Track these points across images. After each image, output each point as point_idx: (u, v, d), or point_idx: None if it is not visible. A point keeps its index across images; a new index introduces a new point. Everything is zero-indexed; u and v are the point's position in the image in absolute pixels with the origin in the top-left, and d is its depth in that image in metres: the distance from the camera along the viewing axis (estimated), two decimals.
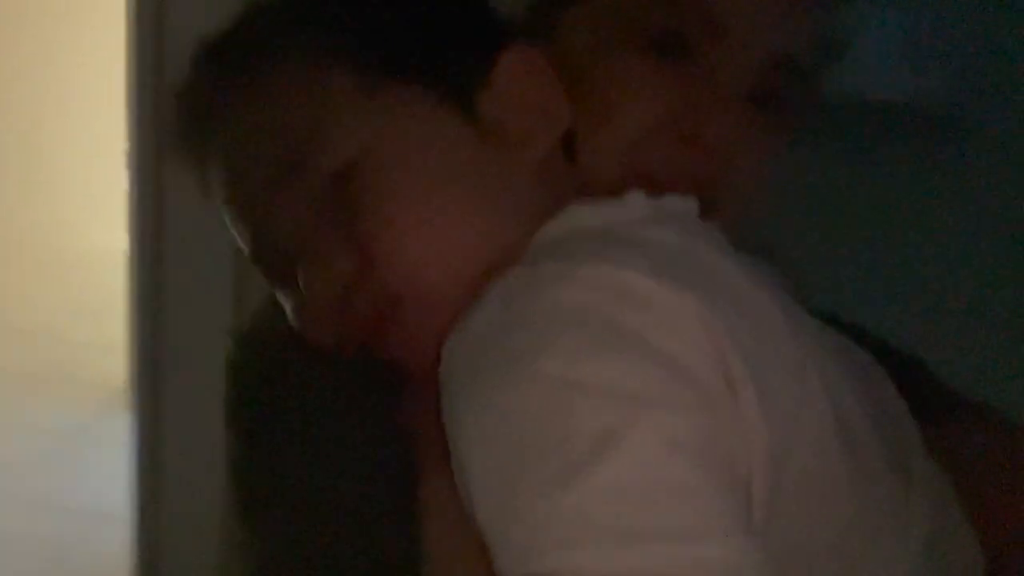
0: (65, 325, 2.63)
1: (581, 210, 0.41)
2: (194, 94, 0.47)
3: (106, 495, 1.72)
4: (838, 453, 0.36)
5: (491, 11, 0.47)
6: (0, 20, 2.79)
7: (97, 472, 1.99)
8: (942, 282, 0.99)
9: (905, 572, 0.38)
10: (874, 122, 0.96)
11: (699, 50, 0.45)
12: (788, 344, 0.37)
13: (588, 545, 0.29)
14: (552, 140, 0.44)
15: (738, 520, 0.31)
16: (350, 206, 0.40)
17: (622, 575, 0.29)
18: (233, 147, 0.43)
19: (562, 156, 0.45)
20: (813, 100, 0.51)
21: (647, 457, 0.30)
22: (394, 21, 0.43)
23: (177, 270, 1.16)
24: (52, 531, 1.84)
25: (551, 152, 0.44)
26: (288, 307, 0.44)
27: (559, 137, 0.44)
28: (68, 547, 1.80)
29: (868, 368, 0.44)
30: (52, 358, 2.48)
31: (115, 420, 1.93)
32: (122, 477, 1.24)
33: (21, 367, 2.41)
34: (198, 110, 0.45)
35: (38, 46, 2.86)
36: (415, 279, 0.40)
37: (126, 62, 1.27)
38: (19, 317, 2.63)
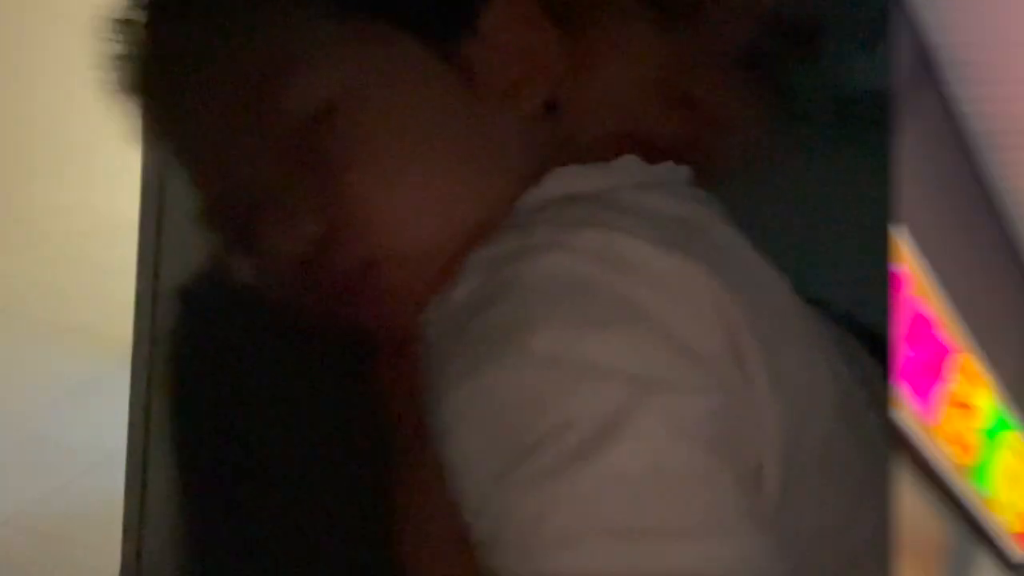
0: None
1: (570, 172, 0.38)
2: (141, 15, 0.41)
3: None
4: (844, 431, 0.35)
5: None
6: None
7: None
8: None
9: None
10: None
11: (691, 9, 0.43)
12: (797, 319, 0.35)
13: (587, 543, 0.27)
14: (543, 93, 0.40)
15: (747, 514, 0.29)
16: (321, 155, 0.36)
17: None
18: (191, 80, 0.38)
19: (546, 114, 0.42)
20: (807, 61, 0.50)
21: (651, 445, 0.28)
22: None
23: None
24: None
25: (539, 108, 0.41)
26: (246, 267, 0.40)
27: (550, 90, 0.41)
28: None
29: (848, 342, 0.43)
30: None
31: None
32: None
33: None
34: (148, 34, 0.40)
35: None
36: (392, 239, 0.36)
37: None
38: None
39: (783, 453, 0.31)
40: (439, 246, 0.36)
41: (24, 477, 1.86)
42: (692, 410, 0.29)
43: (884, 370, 0.43)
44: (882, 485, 0.38)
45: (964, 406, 1.76)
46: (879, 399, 0.40)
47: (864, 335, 0.45)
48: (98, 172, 2.63)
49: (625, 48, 0.42)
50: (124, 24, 0.40)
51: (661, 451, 0.28)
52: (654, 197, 0.36)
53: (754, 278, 0.34)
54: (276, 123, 0.36)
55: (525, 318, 0.30)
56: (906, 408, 1.50)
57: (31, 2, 2.75)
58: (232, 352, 0.44)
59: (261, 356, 0.43)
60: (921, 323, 1.58)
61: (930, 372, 1.63)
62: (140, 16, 0.40)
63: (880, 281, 0.52)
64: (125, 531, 0.89)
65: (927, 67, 1.52)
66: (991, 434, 1.88)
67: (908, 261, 1.47)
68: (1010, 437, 1.97)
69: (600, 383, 0.28)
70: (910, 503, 1.56)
